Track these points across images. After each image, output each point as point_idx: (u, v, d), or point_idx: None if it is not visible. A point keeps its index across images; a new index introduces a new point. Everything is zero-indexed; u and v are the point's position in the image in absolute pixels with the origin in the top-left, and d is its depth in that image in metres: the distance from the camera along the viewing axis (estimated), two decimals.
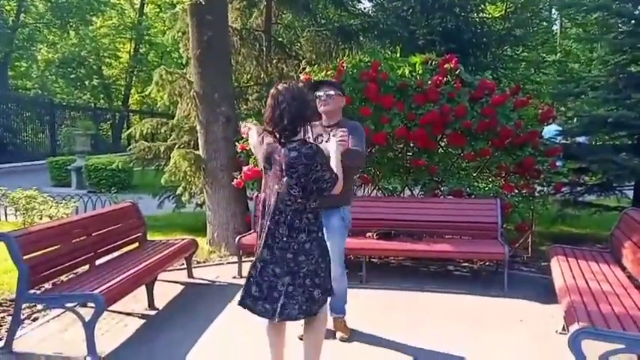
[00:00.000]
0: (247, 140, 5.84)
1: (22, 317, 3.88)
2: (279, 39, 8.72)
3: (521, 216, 5.60)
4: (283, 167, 2.79)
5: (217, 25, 6.26)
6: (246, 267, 5.39)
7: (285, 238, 2.80)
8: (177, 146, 7.02)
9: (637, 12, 7.17)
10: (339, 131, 3.11)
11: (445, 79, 5.61)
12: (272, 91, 2.90)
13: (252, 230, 5.64)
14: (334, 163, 3.00)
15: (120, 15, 24.06)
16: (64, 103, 21.54)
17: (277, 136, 2.84)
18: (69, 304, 3.65)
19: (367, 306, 4.28)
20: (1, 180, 8.56)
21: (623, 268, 4.23)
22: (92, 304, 3.54)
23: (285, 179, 2.80)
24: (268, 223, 2.82)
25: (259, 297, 2.84)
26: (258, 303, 2.84)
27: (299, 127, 2.84)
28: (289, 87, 2.88)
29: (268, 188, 2.91)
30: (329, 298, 3.05)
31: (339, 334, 3.79)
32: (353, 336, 3.82)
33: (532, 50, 13.98)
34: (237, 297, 2.93)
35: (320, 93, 3.57)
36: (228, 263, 5.84)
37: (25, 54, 22.27)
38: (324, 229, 3.32)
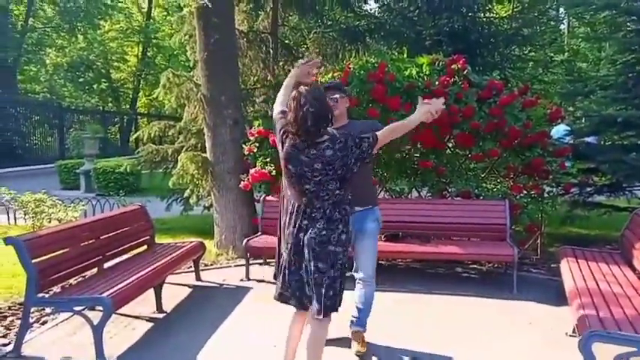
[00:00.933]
0: (254, 142, 5.92)
1: (31, 321, 3.89)
2: (286, 41, 8.74)
3: (530, 217, 5.56)
4: (317, 167, 2.81)
5: (224, 27, 6.27)
6: (253, 270, 5.43)
7: (324, 232, 2.84)
8: (184, 149, 7.03)
9: None
10: (439, 101, 3.12)
11: (452, 79, 5.58)
12: (294, 93, 2.93)
13: (260, 232, 5.64)
14: (404, 123, 3.13)
15: (128, 19, 24.25)
16: (73, 107, 21.67)
17: (303, 137, 2.85)
18: (77, 308, 3.66)
19: (374, 308, 4.24)
20: (11, 183, 8.61)
21: (634, 269, 4.18)
22: (100, 308, 3.55)
23: (318, 178, 2.82)
24: (306, 222, 2.87)
25: (308, 295, 2.91)
26: (305, 301, 2.93)
27: (322, 128, 2.86)
28: (311, 88, 2.92)
29: (293, 188, 2.92)
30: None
31: (355, 347, 3.62)
32: None
33: (540, 50, 13.88)
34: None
35: None
36: (236, 266, 5.83)
37: (33, 58, 22.49)
38: (357, 233, 3.44)
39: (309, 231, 2.86)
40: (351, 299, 3.52)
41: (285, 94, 3.15)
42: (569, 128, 7.52)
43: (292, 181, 2.91)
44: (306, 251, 2.87)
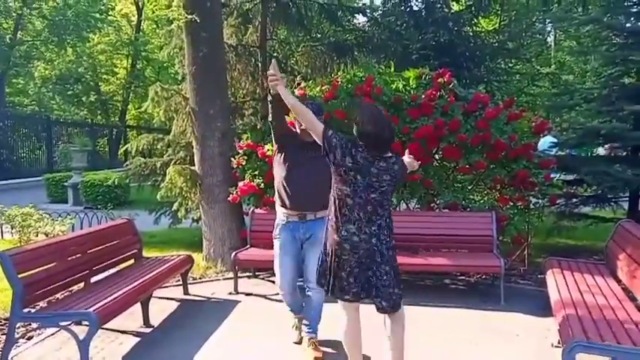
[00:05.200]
0: (243, 155, 5.94)
1: (17, 336, 3.85)
2: (275, 54, 8.77)
3: (516, 228, 5.61)
4: (386, 178, 3.07)
5: (212, 41, 6.30)
6: (242, 283, 5.42)
7: (388, 239, 3.12)
8: (173, 162, 7.02)
9: (628, 25, 7.25)
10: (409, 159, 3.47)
11: (439, 93, 5.65)
12: (370, 108, 3.32)
13: (249, 245, 5.64)
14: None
15: (117, 31, 24.19)
16: (61, 120, 21.57)
17: (375, 151, 3.07)
18: (63, 323, 3.64)
19: (362, 320, 4.26)
20: None
21: (618, 281, 4.24)
22: (87, 323, 3.53)
23: (385, 188, 3.08)
24: (374, 228, 3.07)
25: (375, 294, 3.12)
26: (376, 300, 3.14)
27: (390, 145, 3.17)
28: (378, 109, 3.28)
29: (358, 197, 3.06)
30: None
31: (312, 354, 3.67)
32: None
33: (526, 63, 14.09)
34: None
35: None
36: (224, 279, 5.81)
37: (22, 71, 22.43)
38: (310, 240, 3.68)
39: (380, 237, 3.07)
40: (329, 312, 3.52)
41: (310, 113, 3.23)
42: (555, 140, 7.61)
43: (359, 190, 3.06)
44: (377, 256, 3.06)
